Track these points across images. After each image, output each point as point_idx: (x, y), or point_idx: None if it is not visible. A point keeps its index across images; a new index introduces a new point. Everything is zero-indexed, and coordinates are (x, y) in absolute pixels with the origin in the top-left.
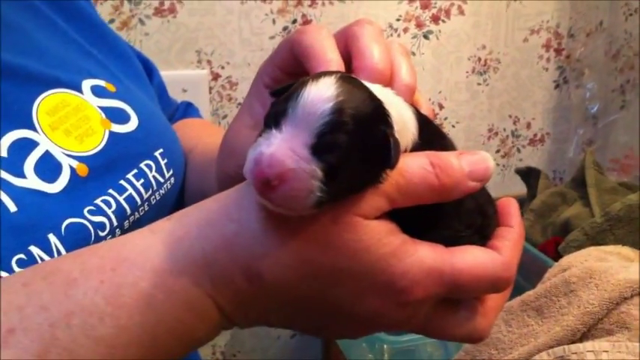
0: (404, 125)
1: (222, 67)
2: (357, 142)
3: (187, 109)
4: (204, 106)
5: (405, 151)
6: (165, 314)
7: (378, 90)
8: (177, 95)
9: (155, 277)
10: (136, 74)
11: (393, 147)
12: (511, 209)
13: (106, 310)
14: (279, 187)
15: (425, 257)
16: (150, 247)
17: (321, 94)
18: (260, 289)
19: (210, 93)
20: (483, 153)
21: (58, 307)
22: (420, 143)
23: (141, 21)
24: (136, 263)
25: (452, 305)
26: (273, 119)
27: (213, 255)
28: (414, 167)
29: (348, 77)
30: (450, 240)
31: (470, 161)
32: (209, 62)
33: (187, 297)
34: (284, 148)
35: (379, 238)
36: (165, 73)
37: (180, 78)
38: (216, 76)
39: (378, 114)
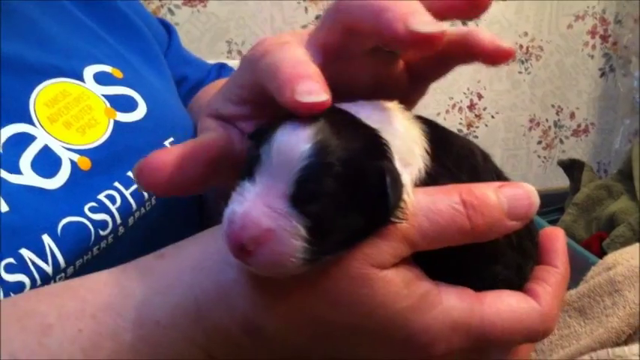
0: (409, 150)
1: None
2: (347, 185)
3: (221, 71)
4: None
5: (415, 182)
6: None
7: (376, 114)
8: None
9: (140, 329)
10: (148, 53)
11: (390, 184)
12: (557, 244)
13: None
14: (257, 252)
15: (451, 309)
16: (136, 293)
17: (297, 134)
18: (261, 343)
19: None
20: (527, 187)
21: (31, 357)
22: (436, 168)
23: (170, 10)
24: (119, 311)
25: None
26: (247, 169)
27: (208, 305)
28: (441, 207)
29: (334, 111)
30: (483, 282)
31: (510, 196)
32: (240, 53)
33: (177, 350)
34: (259, 204)
35: (397, 291)
36: None
37: None
38: None
39: (372, 146)
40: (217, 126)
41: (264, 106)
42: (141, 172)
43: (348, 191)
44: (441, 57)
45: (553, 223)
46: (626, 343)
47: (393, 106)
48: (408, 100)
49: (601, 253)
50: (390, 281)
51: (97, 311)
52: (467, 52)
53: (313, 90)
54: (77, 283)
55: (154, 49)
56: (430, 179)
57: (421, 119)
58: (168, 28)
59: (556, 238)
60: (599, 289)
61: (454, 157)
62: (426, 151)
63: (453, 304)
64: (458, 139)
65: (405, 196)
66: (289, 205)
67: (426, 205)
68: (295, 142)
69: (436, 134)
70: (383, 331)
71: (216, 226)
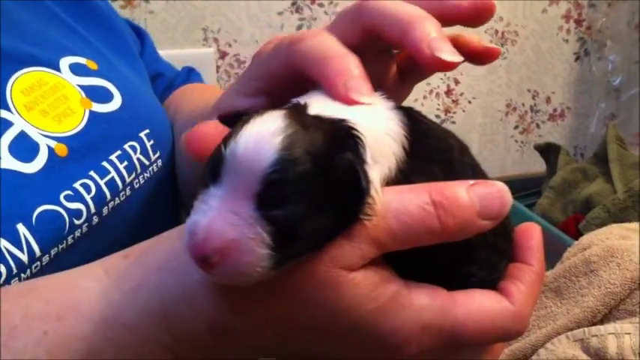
0: (379, 147)
1: (230, 45)
2: (315, 185)
3: (190, 75)
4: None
5: (385, 180)
6: None
7: (354, 107)
8: None
9: (106, 331)
10: (124, 49)
11: (362, 175)
12: (532, 241)
13: None
14: (221, 263)
15: (421, 310)
16: (102, 294)
17: (261, 135)
18: (228, 344)
19: (217, 72)
20: (500, 185)
21: None
22: (410, 162)
23: None
24: (84, 312)
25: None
26: (211, 171)
27: (174, 307)
28: (410, 207)
29: (298, 109)
30: (456, 281)
31: (482, 195)
32: (216, 40)
33: (143, 352)
34: (223, 210)
35: (365, 293)
36: (171, 52)
37: (187, 57)
38: (223, 55)
39: (340, 141)
40: None
41: (281, 97)
42: (191, 139)
43: (316, 191)
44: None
45: (530, 207)
46: (602, 322)
47: (375, 98)
48: (398, 99)
49: (577, 235)
50: (357, 284)
51: (62, 313)
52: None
53: (363, 90)
54: (43, 283)
55: (129, 45)
56: (403, 177)
57: (403, 110)
58: (139, 32)
59: (531, 235)
60: (575, 270)
61: (430, 152)
62: (403, 147)
63: (424, 304)
64: (436, 132)
65: (373, 193)
66: (254, 208)
67: (395, 206)
68: (260, 140)
69: (415, 127)
70: (352, 333)
71: (181, 226)
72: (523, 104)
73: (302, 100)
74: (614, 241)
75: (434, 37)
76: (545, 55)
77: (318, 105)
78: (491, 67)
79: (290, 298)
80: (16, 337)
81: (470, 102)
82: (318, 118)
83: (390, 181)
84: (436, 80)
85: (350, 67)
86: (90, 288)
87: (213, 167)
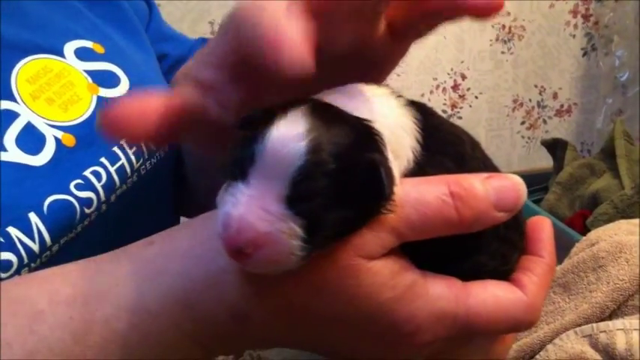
0: (398, 141)
1: None
2: (341, 182)
3: (204, 45)
4: None
5: (403, 172)
6: (139, 356)
7: (368, 103)
8: None
9: (130, 316)
10: (131, 29)
11: (384, 176)
12: (543, 234)
13: (74, 350)
14: (255, 254)
15: (436, 299)
16: (126, 281)
17: (291, 133)
18: (249, 331)
19: None
20: (515, 178)
21: (22, 344)
22: (425, 155)
23: None
24: (109, 298)
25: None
26: (239, 168)
27: (197, 294)
28: (429, 198)
29: (322, 106)
30: (469, 272)
31: (498, 188)
32: None
33: (165, 338)
34: (254, 206)
35: (383, 281)
36: None
37: None
38: None
39: (363, 140)
40: (194, 92)
41: (240, 73)
42: (114, 117)
43: (342, 187)
44: (424, 14)
45: (537, 202)
46: (610, 318)
47: (386, 93)
48: (390, 60)
49: (584, 231)
50: (377, 272)
51: (87, 299)
52: (454, 6)
53: (297, 59)
54: (68, 269)
55: (134, 23)
56: (419, 169)
57: (414, 105)
58: (149, 2)
59: (542, 228)
60: (583, 265)
61: (443, 146)
62: (417, 141)
63: (439, 294)
64: (448, 127)
65: (394, 188)
66: (285, 207)
67: (413, 196)
68: (288, 142)
69: (427, 122)
70: (369, 321)
71: (206, 214)
72: (530, 100)
73: (319, 96)
74: (622, 236)
75: None
76: (552, 51)
77: (336, 102)
78: (497, 62)
79: (311, 285)
80: (42, 322)
81: (476, 97)
82: (339, 117)
83: (408, 173)
84: (443, 75)
85: (282, 38)
86: (115, 274)
87: (241, 164)
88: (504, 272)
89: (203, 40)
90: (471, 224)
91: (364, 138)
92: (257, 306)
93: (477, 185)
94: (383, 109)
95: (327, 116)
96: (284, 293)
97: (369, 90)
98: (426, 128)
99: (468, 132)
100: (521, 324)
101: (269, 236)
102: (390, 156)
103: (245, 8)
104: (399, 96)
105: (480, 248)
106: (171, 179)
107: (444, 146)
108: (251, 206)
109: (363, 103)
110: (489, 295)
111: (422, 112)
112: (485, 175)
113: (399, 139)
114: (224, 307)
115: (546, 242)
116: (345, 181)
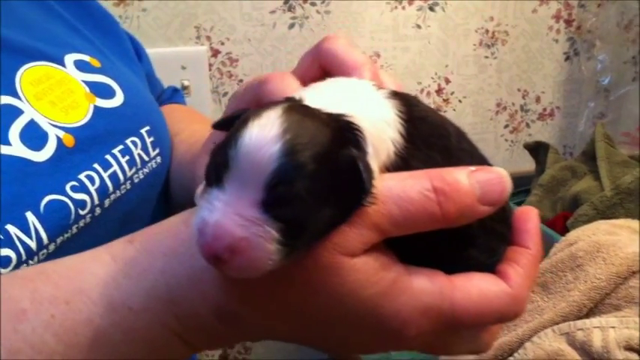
0: (379, 135)
1: (222, 43)
2: (319, 181)
3: (174, 95)
4: (204, 84)
5: (385, 166)
6: (123, 354)
7: (348, 97)
8: (176, 72)
9: (113, 314)
10: (123, 51)
11: (363, 171)
12: (529, 225)
13: (57, 349)
14: (232, 260)
15: (421, 294)
16: (109, 279)
17: (264, 136)
18: (233, 328)
19: (210, 70)
20: (500, 171)
21: (5, 343)
22: (409, 147)
23: None
24: (92, 297)
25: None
26: (215, 173)
27: (180, 292)
28: (411, 193)
29: (296, 106)
30: (455, 265)
31: (483, 181)
32: (208, 38)
33: (149, 335)
34: (229, 212)
35: (367, 278)
36: (164, 50)
37: (179, 55)
38: (215, 53)
39: (340, 137)
40: None
41: None
42: None
43: (320, 187)
44: None
45: (520, 204)
46: (587, 316)
47: (368, 86)
48: None
49: (565, 232)
50: (359, 269)
51: (70, 297)
52: None
53: None
54: (51, 267)
55: (127, 48)
56: (403, 162)
57: (398, 96)
58: (137, 47)
59: (528, 219)
60: (562, 265)
61: (428, 138)
62: (400, 133)
63: (424, 288)
64: (433, 118)
65: (374, 183)
66: (261, 211)
67: (396, 192)
68: (264, 145)
69: (412, 113)
70: (354, 317)
71: (185, 212)
72: (513, 103)
73: (296, 95)
74: (600, 236)
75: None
76: (536, 55)
77: (312, 99)
78: (481, 66)
79: (294, 284)
80: (24, 321)
81: (460, 101)
82: (316, 115)
83: (391, 167)
84: (427, 79)
85: None
86: (97, 273)
87: (216, 169)
88: (491, 264)
89: (174, 89)
90: (455, 219)
91: (341, 134)
92: (240, 304)
93: (462, 179)
94: (364, 102)
95: (302, 116)
96: (267, 292)
97: (350, 84)
98: (411, 120)
99: (453, 122)
100: (507, 315)
101: (245, 241)
102: (371, 150)
103: (257, 77)
104: (381, 88)
105: (467, 241)
106: (165, 190)
107: (430, 138)
108: (226, 212)
109: (344, 98)
110: (474, 288)
111: (406, 103)
112: (471, 168)
113: (381, 132)
114: (207, 305)
115: (532, 233)
116: (323, 181)
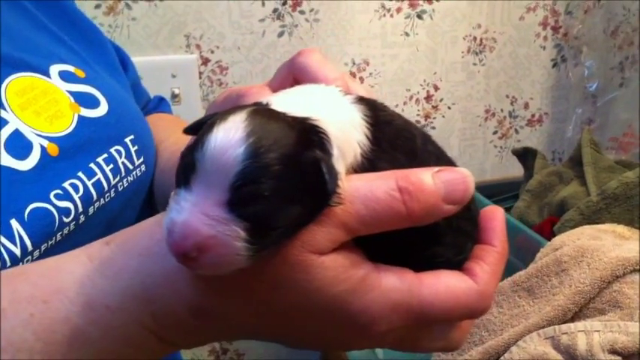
0: (345, 138)
1: (212, 52)
2: (284, 182)
3: (160, 104)
4: (194, 92)
5: (352, 167)
6: (101, 352)
7: (314, 102)
8: (166, 81)
9: (90, 313)
10: (108, 62)
11: (326, 172)
12: (495, 223)
13: (36, 346)
14: (200, 258)
15: (389, 291)
16: (86, 279)
17: (229, 138)
18: (208, 325)
19: (200, 78)
20: (463, 171)
21: None
22: (376, 150)
23: (127, 5)
24: (70, 296)
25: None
26: (182, 176)
27: (155, 290)
28: (378, 193)
29: (261, 110)
30: (423, 263)
31: (447, 181)
32: (198, 46)
33: (126, 333)
34: (196, 212)
35: (335, 275)
36: (154, 59)
37: (169, 63)
38: (205, 61)
39: (304, 139)
40: None
41: None
42: None
43: (286, 187)
44: None
45: (508, 210)
46: (572, 320)
47: (334, 92)
48: None
49: (552, 237)
50: (327, 266)
51: (48, 296)
52: None
53: None
54: (30, 268)
55: (112, 57)
56: (369, 164)
57: (364, 101)
58: (123, 58)
59: (494, 217)
60: (547, 269)
61: (393, 140)
62: (366, 136)
63: (392, 285)
64: (399, 122)
65: (340, 183)
66: (227, 211)
67: (363, 192)
68: (228, 147)
69: (377, 117)
70: (324, 314)
71: (160, 214)
72: (502, 110)
73: (264, 100)
74: (585, 241)
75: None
76: (523, 62)
77: (280, 104)
78: (469, 73)
79: (263, 281)
80: (4, 320)
81: (449, 107)
82: (281, 118)
83: (358, 168)
84: (416, 86)
85: None
86: (75, 273)
87: (184, 171)
88: (459, 262)
89: (160, 98)
90: (420, 218)
91: (306, 137)
92: (214, 301)
93: (426, 179)
94: (330, 106)
95: (267, 119)
96: (240, 289)
97: (317, 90)
98: (377, 124)
99: (418, 127)
100: (474, 311)
101: (213, 239)
102: (336, 152)
103: (231, 91)
104: (348, 94)
105: (434, 239)
106: (149, 198)
107: (395, 141)
108: (193, 212)
109: (310, 102)
110: (442, 285)
111: (372, 108)
112: (435, 168)
113: (347, 135)
114: (182, 303)
115: (498, 231)
116: (287, 181)
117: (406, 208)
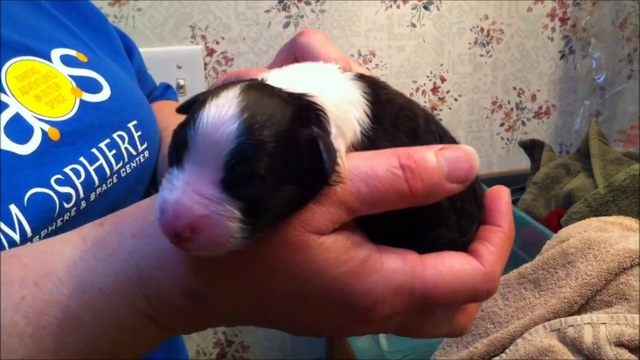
0: (344, 115)
1: (217, 43)
2: (280, 160)
3: (166, 91)
4: (199, 83)
5: (352, 145)
6: (94, 335)
7: (312, 79)
8: (171, 72)
9: (83, 295)
10: (112, 48)
11: (324, 149)
12: (500, 204)
13: (27, 330)
14: (193, 238)
15: (392, 273)
16: (79, 260)
17: (221, 115)
18: (203, 308)
19: (205, 69)
20: (467, 148)
21: None
22: (376, 128)
23: None
24: (61, 278)
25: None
26: (175, 154)
27: (149, 272)
28: (379, 171)
29: (255, 85)
30: (426, 245)
31: (450, 159)
32: (203, 37)
33: (120, 317)
34: (189, 191)
35: (336, 256)
36: (160, 50)
37: (175, 54)
38: (211, 52)
39: (301, 116)
40: None
41: None
42: None
43: (282, 166)
44: None
45: (515, 202)
46: (579, 312)
47: (332, 69)
48: None
49: (559, 230)
50: (328, 247)
51: (39, 278)
52: None
53: None
54: (22, 251)
55: (117, 44)
56: (369, 142)
57: (364, 79)
58: (128, 44)
59: (500, 198)
60: (553, 262)
61: (395, 119)
62: (366, 114)
63: (395, 267)
64: (401, 101)
65: (339, 161)
66: (220, 190)
67: (364, 170)
68: (221, 124)
69: (377, 95)
70: (324, 296)
71: (154, 195)
72: (509, 102)
73: (259, 76)
74: (591, 233)
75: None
76: (531, 53)
77: (275, 80)
78: (477, 64)
79: (260, 262)
80: None
81: (456, 99)
82: (276, 94)
83: (358, 146)
84: (422, 78)
85: None
86: (67, 254)
87: (177, 149)
88: (463, 244)
89: (167, 86)
90: (423, 196)
91: (302, 113)
92: (209, 283)
93: (429, 157)
94: (328, 84)
95: (261, 94)
96: (236, 272)
97: (315, 66)
98: (377, 102)
99: (422, 106)
100: (480, 293)
101: (206, 219)
102: (334, 130)
103: (231, 74)
104: (346, 71)
105: (437, 221)
106: (153, 184)
107: (397, 120)
108: (185, 190)
109: (308, 79)
110: (446, 267)
111: (372, 85)
112: (438, 146)
113: (345, 112)
114: (177, 285)
115: (504, 212)
116: (283, 159)
117: (409, 186)
